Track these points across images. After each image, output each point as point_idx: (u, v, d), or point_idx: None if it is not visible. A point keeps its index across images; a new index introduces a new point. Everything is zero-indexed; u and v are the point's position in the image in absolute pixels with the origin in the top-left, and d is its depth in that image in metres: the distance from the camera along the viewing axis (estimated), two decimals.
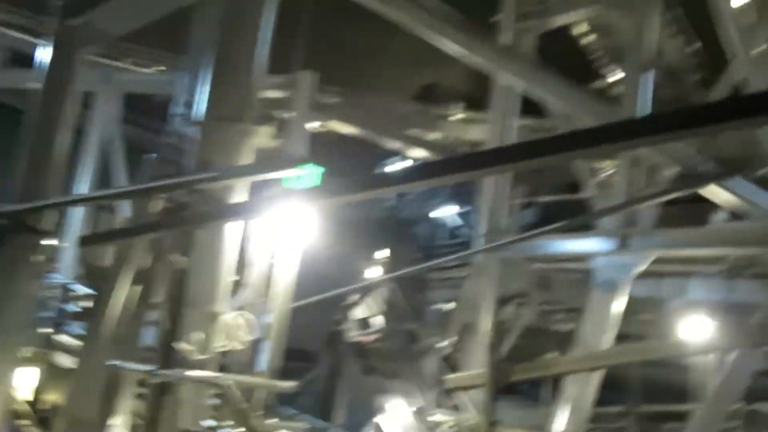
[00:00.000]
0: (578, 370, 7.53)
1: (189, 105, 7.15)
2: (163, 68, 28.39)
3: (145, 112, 28.14)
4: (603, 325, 10.93)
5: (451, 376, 8.03)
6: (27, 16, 25.84)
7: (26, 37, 25.88)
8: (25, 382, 9.37)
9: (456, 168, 4.02)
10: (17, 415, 8.99)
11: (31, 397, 9.66)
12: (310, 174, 8.06)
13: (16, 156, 8.89)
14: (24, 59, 24.76)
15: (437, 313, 21.22)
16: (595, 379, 10.79)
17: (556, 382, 10.66)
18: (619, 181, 11.59)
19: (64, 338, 10.91)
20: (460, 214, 26.64)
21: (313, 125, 21.61)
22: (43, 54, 8.94)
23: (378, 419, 11.64)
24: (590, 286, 11.38)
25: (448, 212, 26.67)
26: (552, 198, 16.31)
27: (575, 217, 10.91)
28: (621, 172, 11.60)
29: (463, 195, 24.79)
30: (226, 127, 6.69)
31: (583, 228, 11.89)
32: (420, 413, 8.73)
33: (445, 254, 22.00)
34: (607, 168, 13.50)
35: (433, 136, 26.93)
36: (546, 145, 3.63)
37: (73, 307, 11.67)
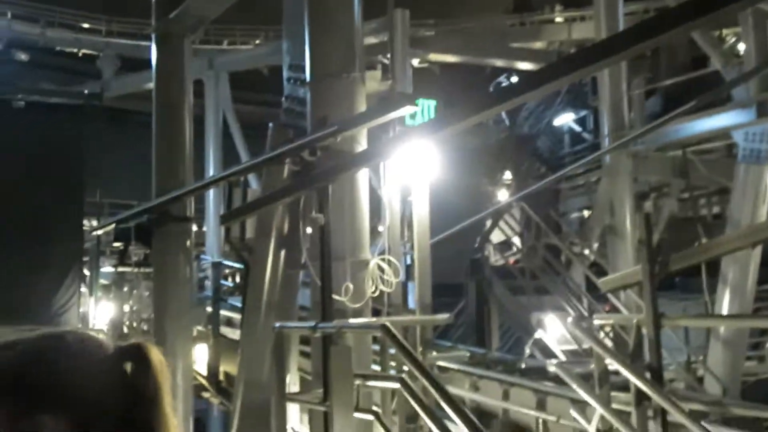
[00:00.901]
0: (738, 248, 7.20)
1: (296, 68, 7.27)
2: (258, 41, 28.98)
3: (252, 87, 28.93)
4: (754, 200, 10.42)
5: (605, 279, 7.89)
6: (132, 22, 26.98)
7: (133, 42, 27.11)
8: (200, 357, 10.06)
9: (569, 68, 3.88)
10: (200, 387, 9.68)
11: (207, 371, 10.36)
12: (424, 108, 8.07)
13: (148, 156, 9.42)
14: (135, 63, 26.04)
15: (575, 222, 20.87)
16: (756, 256, 10.35)
17: (711, 269, 10.28)
18: (747, 46, 10.86)
19: (226, 313, 11.58)
20: (578, 120, 25.87)
21: (415, 61, 21.46)
22: (153, 53, 9.32)
23: (536, 336, 11.67)
24: (734, 163, 10.84)
25: (565, 120, 25.93)
26: (674, 80, 15.48)
27: (703, 94, 10.30)
28: (746, 35, 10.86)
29: (577, 100, 24.01)
30: (335, 80, 6.76)
31: (715, 104, 11.27)
32: (578, 322, 8.66)
33: (571, 162, 21.48)
34: (730, 35, 12.65)
35: (538, 45, 26.14)
36: (659, 22, 3.43)
37: (227, 283, 12.35)
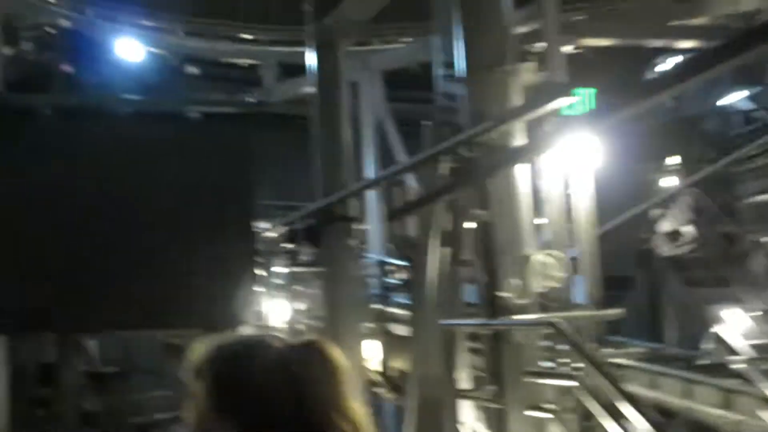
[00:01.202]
0: None
1: (449, 64, 7.28)
2: (409, 39, 29.25)
3: (405, 86, 29.29)
4: None
5: None
6: (289, 29, 28.17)
7: (291, 48, 28.27)
8: (371, 354, 10.31)
9: (742, 46, 3.61)
10: (372, 384, 9.93)
11: (379, 368, 10.59)
12: (583, 98, 7.82)
13: (309, 158, 9.79)
14: (294, 69, 27.14)
15: (752, 208, 19.47)
16: None
17: None
18: None
19: (392, 310, 11.80)
20: (751, 97, 24.05)
21: (568, 48, 20.85)
22: (310, 58, 9.68)
23: (716, 329, 11.00)
24: None
25: (736, 98, 24.18)
26: None
27: None
28: None
29: (749, 74, 22.35)
30: (490, 74, 6.70)
31: None
32: (765, 315, 8.08)
33: (744, 143, 20.04)
34: None
35: (700, 20, 24.56)
36: None
37: (392, 280, 12.57)
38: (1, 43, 11.48)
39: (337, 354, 1.47)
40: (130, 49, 23.18)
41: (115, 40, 24.43)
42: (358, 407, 1.46)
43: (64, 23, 16.80)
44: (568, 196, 7.74)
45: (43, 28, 16.88)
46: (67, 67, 15.26)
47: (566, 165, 7.51)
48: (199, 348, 1.47)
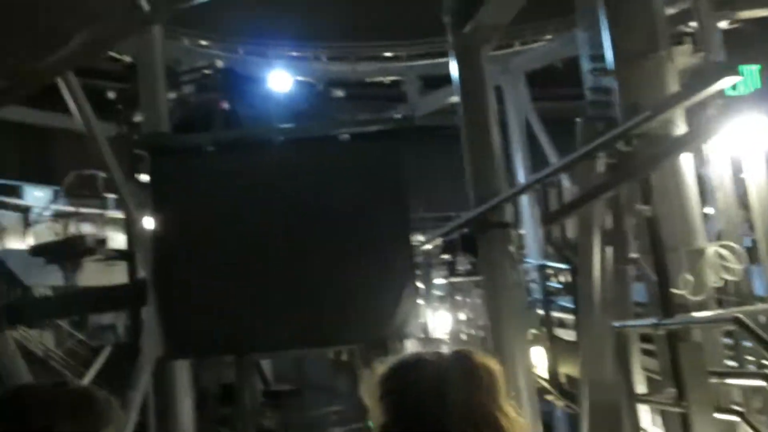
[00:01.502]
0: None
1: (597, 58, 7.05)
2: (549, 37, 28.74)
3: (548, 83, 28.75)
4: None
5: None
6: (428, 42, 28.55)
7: (431, 61, 28.63)
8: (538, 360, 10.11)
9: None
10: (542, 390, 9.72)
11: (547, 374, 10.36)
12: (747, 76, 7.31)
13: (458, 168, 9.78)
14: (436, 81, 27.49)
15: None
16: None
17: None
18: None
19: (557, 314, 11.53)
20: None
21: (724, 24, 19.63)
22: (453, 68, 9.70)
23: None
24: None
25: None
26: None
27: None
28: None
29: None
30: (642, 62, 6.42)
31: None
32: None
33: None
34: None
35: None
36: None
37: (554, 284, 12.30)
38: (166, 89, 12.36)
39: (486, 362, 1.51)
40: (279, 80, 24.32)
41: (266, 74, 25.74)
42: (508, 415, 1.48)
43: (219, 64, 17.94)
44: (739, 182, 7.26)
45: (201, 71, 18.09)
46: (224, 104, 16.20)
47: (735, 149, 7.06)
48: (373, 369, 1.58)
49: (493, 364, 1.52)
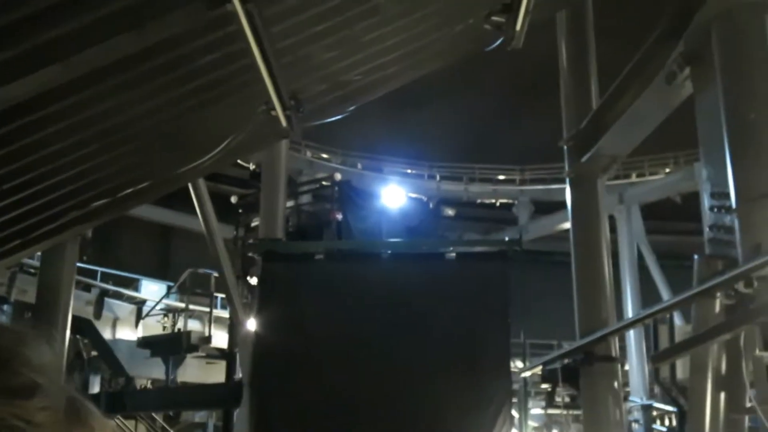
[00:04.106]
0: None
1: (719, 195, 6.88)
2: (668, 170, 28.33)
3: (664, 217, 28.11)
4: None
5: None
6: (543, 168, 28.78)
7: (544, 186, 28.76)
8: None
9: None
10: None
11: None
12: None
13: (566, 295, 9.55)
14: (547, 206, 27.48)
15: None
16: None
17: None
18: None
19: None
20: None
21: None
22: (567, 195, 9.67)
23: None
24: None
25: None
26: None
27: None
28: None
29: None
30: (766, 202, 6.21)
31: None
32: None
33: None
34: None
35: None
36: None
37: (661, 428, 11.59)
38: (285, 198, 12.86)
39: None
40: (393, 196, 24.87)
41: (380, 188, 26.44)
42: None
43: (338, 176, 18.62)
44: None
45: (320, 182, 18.80)
46: (337, 215, 16.67)
47: None
48: None
49: None
